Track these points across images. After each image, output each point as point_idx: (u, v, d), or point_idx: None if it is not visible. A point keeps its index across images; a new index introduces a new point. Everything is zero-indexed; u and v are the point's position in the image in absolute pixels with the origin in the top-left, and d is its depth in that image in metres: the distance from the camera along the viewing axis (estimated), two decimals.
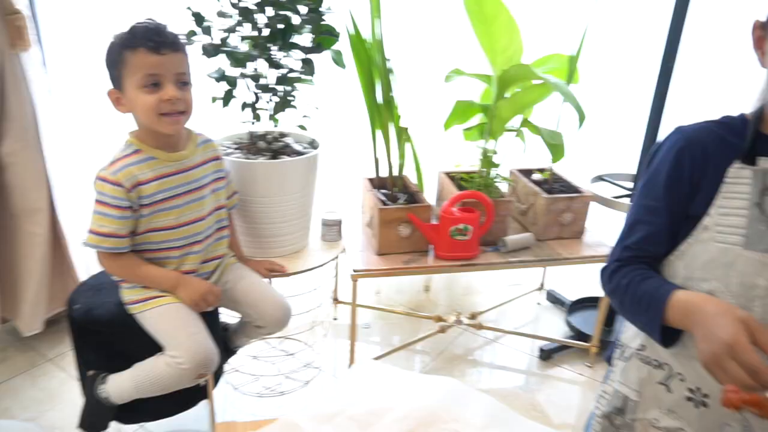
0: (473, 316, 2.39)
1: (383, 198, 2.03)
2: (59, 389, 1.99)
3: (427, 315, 2.45)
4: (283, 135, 1.96)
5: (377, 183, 2.13)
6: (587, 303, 2.56)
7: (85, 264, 2.15)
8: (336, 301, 2.54)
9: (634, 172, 2.37)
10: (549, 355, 2.33)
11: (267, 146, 1.88)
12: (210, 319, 1.62)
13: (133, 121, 1.44)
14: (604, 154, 3.32)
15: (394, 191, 2.08)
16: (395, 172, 2.08)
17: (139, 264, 1.47)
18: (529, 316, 2.64)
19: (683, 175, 0.93)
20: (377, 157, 2.09)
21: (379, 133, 2.03)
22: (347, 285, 2.02)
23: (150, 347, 1.46)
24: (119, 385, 1.49)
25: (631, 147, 2.36)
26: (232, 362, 1.95)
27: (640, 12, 2.67)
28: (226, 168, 1.66)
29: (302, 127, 1.95)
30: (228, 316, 1.77)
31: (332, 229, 2.07)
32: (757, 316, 0.86)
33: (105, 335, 1.52)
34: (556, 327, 2.53)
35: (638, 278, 0.92)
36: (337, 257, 2.06)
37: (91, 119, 2.25)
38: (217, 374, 1.73)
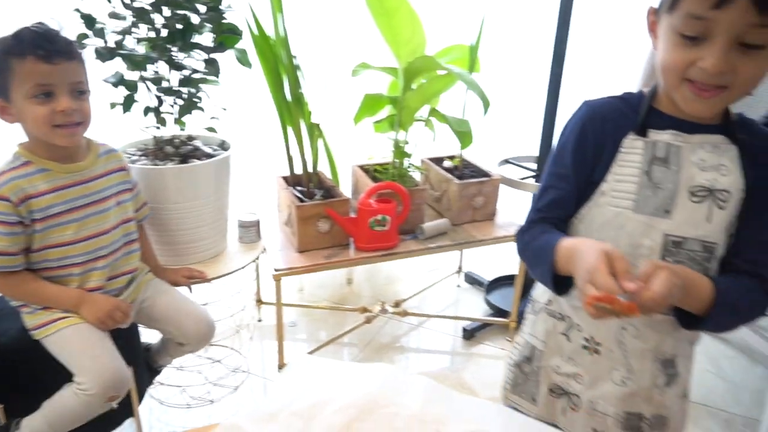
0: (397, 304, 2.44)
1: (299, 195, 2.03)
2: None
3: (351, 307, 2.48)
4: (191, 138, 1.91)
5: (292, 181, 2.12)
6: (504, 281, 2.68)
7: None
8: (259, 302, 2.51)
9: (537, 153, 2.50)
10: (471, 334, 2.42)
11: (175, 151, 1.82)
12: (128, 337, 1.56)
13: (23, 131, 1.35)
14: (509, 138, 3.47)
15: (310, 187, 2.08)
16: (310, 169, 2.08)
17: (36, 283, 1.38)
18: (450, 298, 2.73)
19: (587, 144, 1.00)
20: (290, 155, 2.08)
21: (290, 131, 2.01)
22: (270, 285, 2.00)
23: (61, 374, 1.38)
24: (34, 428, 1.40)
25: (533, 130, 2.49)
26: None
27: (533, 1, 2.81)
28: (134, 179, 1.58)
29: (211, 129, 1.90)
30: (149, 335, 1.70)
31: (250, 231, 2.04)
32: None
33: (12, 366, 1.42)
34: (476, 307, 2.63)
35: (538, 234, 1.01)
36: (257, 258, 2.03)
37: None
38: (141, 392, 1.66)
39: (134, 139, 1.89)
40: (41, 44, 1.25)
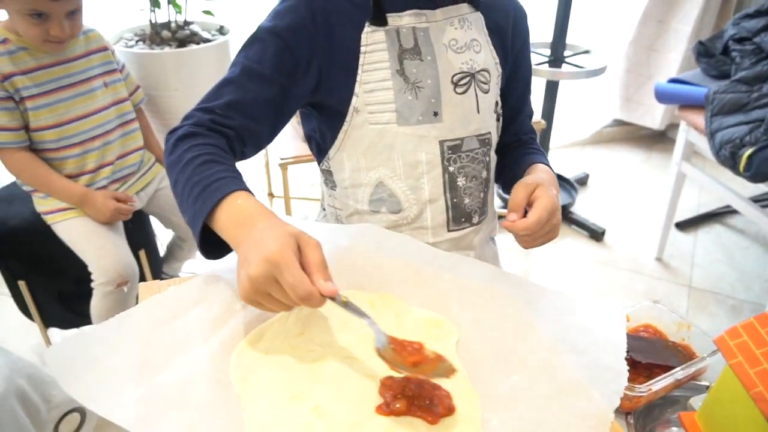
0: None
1: None
2: None
3: None
4: (187, 23, 1.85)
5: None
6: None
7: None
8: (270, 195, 2.53)
9: (550, 39, 2.37)
10: None
11: (172, 36, 1.76)
12: (138, 221, 1.59)
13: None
14: None
15: None
16: None
17: (44, 169, 1.40)
18: None
19: (301, 47, 0.76)
20: None
21: None
22: (278, 177, 2.00)
23: (75, 257, 1.43)
24: None
25: (545, 14, 2.35)
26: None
27: None
28: (120, 60, 1.55)
29: (208, 12, 1.83)
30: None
31: None
32: (427, 192, 0.84)
33: (26, 245, 1.47)
34: None
35: (206, 157, 0.70)
36: None
37: None
38: (157, 273, 1.72)
39: (131, 24, 1.84)
40: None
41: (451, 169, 0.83)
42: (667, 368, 0.79)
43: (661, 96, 1.95)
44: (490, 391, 0.61)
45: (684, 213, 2.41)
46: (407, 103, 0.79)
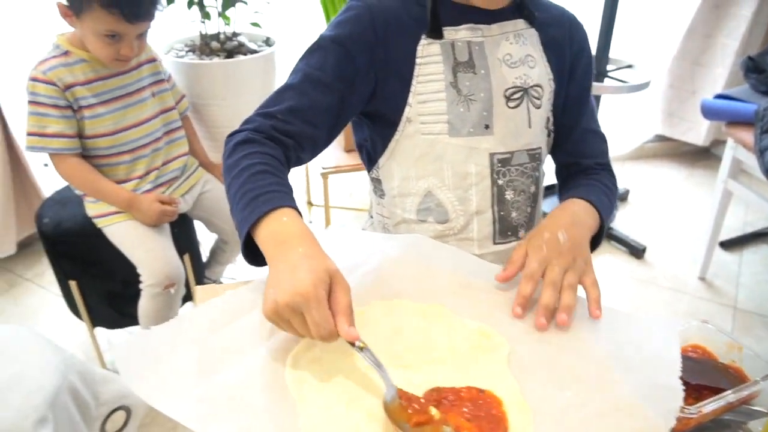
0: None
1: None
2: (42, 305, 2.02)
3: None
4: (236, 34, 1.90)
5: None
6: None
7: (49, 184, 2.11)
8: (309, 204, 2.56)
9: (594, 52, 2.35)
10: None
11: (220, 47, 1.81)
12: (183, 225, 1.63)
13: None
14: None
15: None
16: None
17: (93, 174, 1.45)
18: None
19: (360, 58, 0.78)
20: None
21: None
22: (319, 188, 2.03)
23: (125, 259, 1.47)
24: None
25: (588, 25, 2.33)
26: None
27: None
28: (166, 71, 1.61)
29: (255, 24, 1.88)
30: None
31: None
32: (475, 204, 0.84)
33: (77, 246, 1.53)
34: None
35: (261, 167, 0.71)
36: None
37: (27, 25, 2.12)
38: (199, 277, 1.76)
39: (181, 35, 1.90)
40: (127, 2, 1.27)
41: (500, 182, 0.84)
42: (717, 390, 0.77)
43: (708, 112, 1.92)
44: (543, 405, 0.61)
45: (729, 232, 2.35)
46: (459, 114, 0.80)
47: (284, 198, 0.69)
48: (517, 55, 0.82)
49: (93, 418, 1.21)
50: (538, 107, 0.84)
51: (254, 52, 1.81)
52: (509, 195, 0.85)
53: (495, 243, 0.87)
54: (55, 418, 1.00)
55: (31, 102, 1.36)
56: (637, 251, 2.27)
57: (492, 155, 0.82)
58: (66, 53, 1.37)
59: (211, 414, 0.57)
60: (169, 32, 1.88)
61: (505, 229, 0.86)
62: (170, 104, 1.58)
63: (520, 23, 0.83)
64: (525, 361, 0.66)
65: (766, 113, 1.69)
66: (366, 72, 0.79)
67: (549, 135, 0.90)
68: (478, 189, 0.83)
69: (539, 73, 0.84)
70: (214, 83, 1.74)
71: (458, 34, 0.80)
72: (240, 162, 0.72)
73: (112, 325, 1.68)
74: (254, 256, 0.70)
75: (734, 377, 0.84)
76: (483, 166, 0.82)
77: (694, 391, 0.82)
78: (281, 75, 1.92)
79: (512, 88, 0.82)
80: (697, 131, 2.85)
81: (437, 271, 0.77)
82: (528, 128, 0.84)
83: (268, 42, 1.91)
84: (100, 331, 1.71)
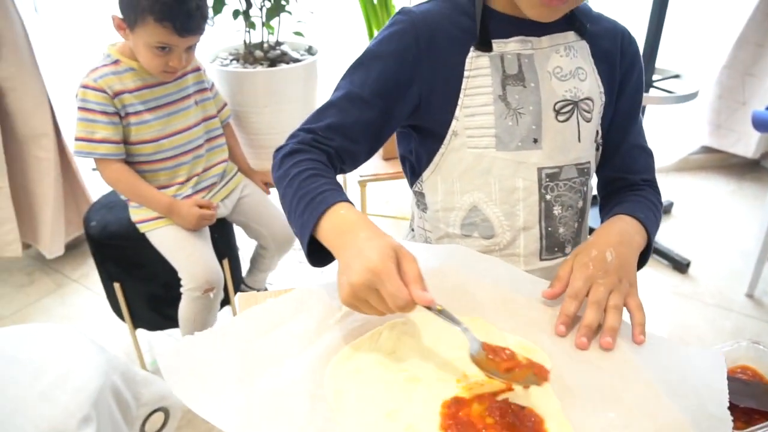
0: None
1: None
2: (87, 305, 2.08)
3: None
4: (279, 43, 1.93)
5: None
6: None
7: (97, 187, 2.18)
8: None
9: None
10: None
11: (264, 55, 1.85)
12: (222, 231, 1.66)
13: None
14: None
15: None
16: None
17: (135, 179, 1.49)
18: None
19: (404, 70, 0.78)
20: None
21: None
22: (356, 194, 2.04)
23: (167, 264, 1.51)
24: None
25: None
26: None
27: None
28: (209, 79, 1.64)
29: (298, 33, 1.90)
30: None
31: None
32: (522, 219, 0.83)
33: (122, 249, 1.57)
34: None
35: (310, 171, 0.74)
36: None
37: (79, 36, 2.20)
38: (237, 282, 1.79)
39: (226, 44, 1.94)
40: (179, 17, 1.32)
41: (547, 197, 0.82)
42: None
43: (759, 123, 1.86)
44: (585, 425, 0.59)
45: None
46: (507, 128, 0.79)
47: (337, 195, 0.71)
48: (567, 67, 0.81)
49: (133, 418, 1.24)
50: (589, 121, 0.83)
51: (297, 60, 1.84)
52: (557, 210, 0.83)
53: (541, 259, 0.85)
54: (98, 417, 1.03)
55: (80, 108, 1.41)
56: (680, 265, 2.20)
57: (540, 170, 0.81)
58: (116, 62, 1.42)
59: (251, 421, 0.58)
60: (214, 41, 1.93)
61: (552, 245, 0.85)
62: (212, 112, 1.61)
63: (571, 35, 0.82)
64: (567, 380, 0.64)
65: None
66: (409, 87, 0.79)
67: (597, 149, 0.88)
68: (525, 204, 0.82)
69: (590, 86, 0.83)
70: (257, 91, 1.77)
71: (507, 46, 0.79)
72: (289, 171, 0.75)
73: (152, 327, 1.72)
74: (318, 257, 0.72)
75: None
76: (531, 180, 0.81)
77: (743, 415, 0.79)
78: (323, 84, 1.95)
79: (562, 101, 0.80)
80: (747, 143, 2.75)
81: (477, 283, 0.76)
82: (577, 142, 0.82)
83: (310, 51, 1.93)
84: (141, 333, 1.75)
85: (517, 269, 0.81)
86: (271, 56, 1.84)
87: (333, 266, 0.71)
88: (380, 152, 2.02)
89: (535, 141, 0.79)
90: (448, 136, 0.80)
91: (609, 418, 0.60)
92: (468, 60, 0.78)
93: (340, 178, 0.79)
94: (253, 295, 0.77)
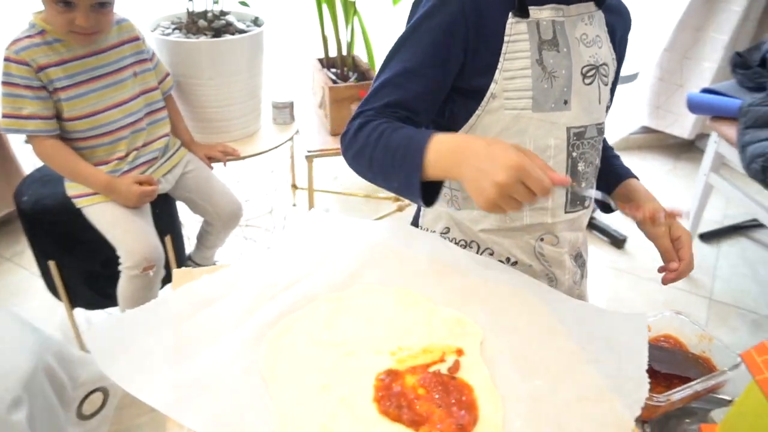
0: None
1: (333, 77, 1.99)
2: (23, 285, 2.00)
3: (385, 196, 2.50)
4: (224, 13, 1.87)
5: (327, 63, 2.08)
6: None
7: (30, 161, 2.08)
8: (294, 187, 2.56)
9: None
10: None
11: (208, 25, 1.79)
12: (164, 206, 1.62)
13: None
14: None
15: (345, 70, 2.03)
16: (344, 51, 2.02)
17: (71, 156, 1.43)
18: None
19: (457, 38, 0.81)
20: (325, 35, 2.02)
21: (325, 10, 1.94)
22: (305, 171, 2.02)
23: (104, 240, 1.46)
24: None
25: None
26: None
27: None
28: (150, 48, 1.58)
29: (244, 4, 1.85)
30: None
31: (284, 112, 2.03)
32: None
33: (57, 225, 1.51)
34: None
35: (390, 129, 0.77)
36: (291, 139, 2.04)
37: (3, 2, 2.08)
38: (181, 259, 1.75)
39: (168, 12, 1.86)
40: None
41: (574, 154, 0.88)
42: (686, 379, 0.79)
43: (694, 106, 1.93)
44: (513, 393, 0.62)
45: (708, 224, 2.39)
46: (543, 91, 0.83)
47: (426, 133, 0.75)
48: (591, 35, 0.86)
49: (70, 399, 1.21)
50: (606, 84, 0.89)
51: (242, 31, 1.79)
52: (581, 167, 0.89)
53: (566, 212, 0.91)
54: (30, 399, 1.00)
55: (4, 83, 1.33)
56: (618, 241, 2.30)
57: (569, 129, 0.86)
58: (41, 32, 1.34)
59: (185, 399, 0.58)
60: (155, 9, 1.85)
61: (575, 199, 0.91)
62: (153, 84, 1.55)
63: (591, 5, 0.87)
64: (496, 350, 0.67)
65: (750, 109, 1.71)
66: (456, 55, 0.82)
67: (606, 111, 0.94)
68: (555, 162, 0.86)
69: (605, 52, 0.88)
70: (201, 63, 1.71)
71: (542, 13, 0.83)
72: (368, 139, 0.78)
73: (91, 305, 1.67)
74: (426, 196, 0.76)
75: (703, 367, 0.86)
76: (561, 139, 0.86)
77: (665, 380, 0.84)
78: (269, 56, 1.90)
79: (587, 66, 0.86)
80: (683, 124, 2.87)
81: (415, 257, 0.77)
82: (598, 104, 0.88)
83: (256, 22, 1.88)
84: (80, 312, 1.70)
85: (454, 245, 0.83)
86: (216, 26, 1.78)
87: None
88: (328, 127, 2.00)
89: (566, 102, 0.85)
90: (485, 99, 0.83)
91: (536, 386, 0.62)
92: (508, 26, 0.82)
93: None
94: (188, 271, 0.76)
